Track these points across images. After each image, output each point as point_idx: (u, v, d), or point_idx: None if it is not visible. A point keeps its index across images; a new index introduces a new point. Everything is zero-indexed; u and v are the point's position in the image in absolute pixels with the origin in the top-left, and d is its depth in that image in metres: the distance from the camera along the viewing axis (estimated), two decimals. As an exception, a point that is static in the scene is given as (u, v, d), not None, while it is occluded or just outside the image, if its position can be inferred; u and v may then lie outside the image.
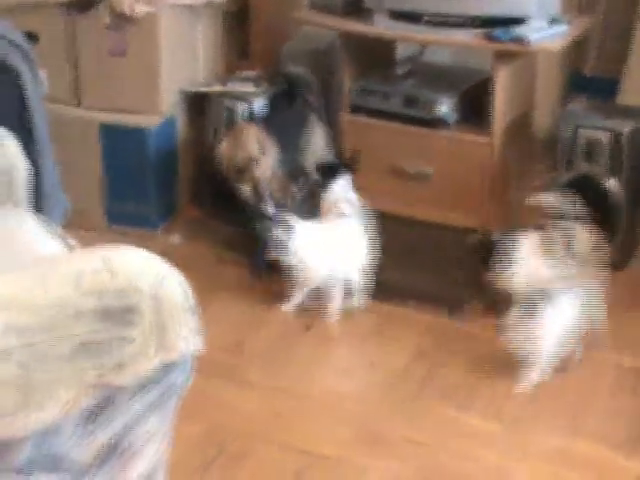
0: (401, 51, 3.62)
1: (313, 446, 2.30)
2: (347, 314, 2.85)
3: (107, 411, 1.45)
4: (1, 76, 2.39)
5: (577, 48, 3.45)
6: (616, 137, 3.00)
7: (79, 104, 3.32)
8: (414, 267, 3.04)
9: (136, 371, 1.43)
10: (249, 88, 3.41)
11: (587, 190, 3.03)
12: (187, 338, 1.48)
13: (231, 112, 3.32)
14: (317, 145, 3.38)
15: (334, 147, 3.42)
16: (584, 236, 2.74)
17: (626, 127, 3.02)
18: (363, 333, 2.81)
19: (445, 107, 3.25)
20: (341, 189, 2.92)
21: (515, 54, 3.14)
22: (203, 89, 3.42)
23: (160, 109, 3.29)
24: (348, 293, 2.86)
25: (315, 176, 3.30)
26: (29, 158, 2.25)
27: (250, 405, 2.47)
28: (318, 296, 2.86)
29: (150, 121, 3.26)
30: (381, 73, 3.45)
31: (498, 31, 3.04)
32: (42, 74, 2.78)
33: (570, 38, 3.16)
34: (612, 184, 3.01)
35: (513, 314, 2.50)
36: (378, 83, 3.38)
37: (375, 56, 3.48)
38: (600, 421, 2.41)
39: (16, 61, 2.41)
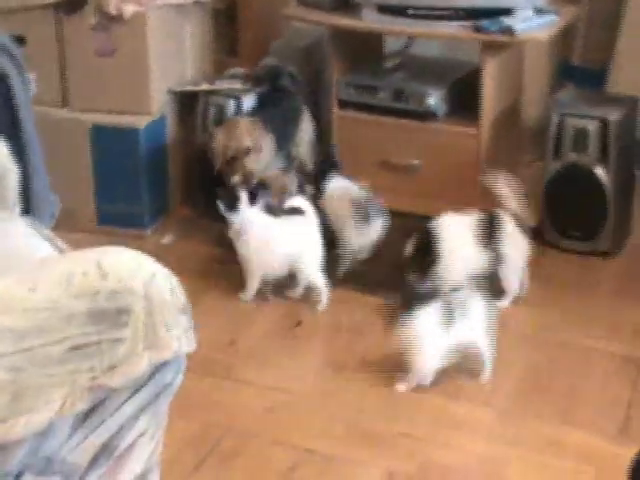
0: (389, 45, 3.63)
1: (306, 442, 2.31)
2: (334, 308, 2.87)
3: (101, 412, 1.45)
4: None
5: (564, 37, 3.46)
6: (604, 125, 3.01)
7: (68, 106, 3.32)
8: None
9: (129, 372, 1.43)
10: (237, 85, 3.41)
11: (576, 179, 3.06)
12: (179, 337, 1.49)
13: (220, 110, 3.33)
14: (305, 140, 3.39)
15: (323, 142, 3.43)
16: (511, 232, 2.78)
17: (614, 115, 3.03)
18: (355, 327, 2.81)
19: (434, 99, 3.25)
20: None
21: (503, 45, 3.15)
22: (192, 88, 3.42)
23: (150, 109, 3.29)
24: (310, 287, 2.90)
25: (307, 171, 3.34)
26: (18, 161, 2.25)
27: (243, 402, 2.47)
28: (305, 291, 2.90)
29: (140, 121, 3.26)
30: (370, 67, 3.46)
31: (486, 22, 3.05)
32: (30, 77, 2.78)
33: (557, 28, 3.16)
34: (600, 172, 3.03)
35: (404, 315, 2.42)
36: (367, 77, 3.38)
37: (364, 51, 3.48)
38: (591, 409, 2.42)
39: (4, 64, 2.41)
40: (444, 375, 2.52)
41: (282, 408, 2.45)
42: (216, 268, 3.05)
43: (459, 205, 2.86)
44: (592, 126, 3.02)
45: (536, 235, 3.14)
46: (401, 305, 2.43)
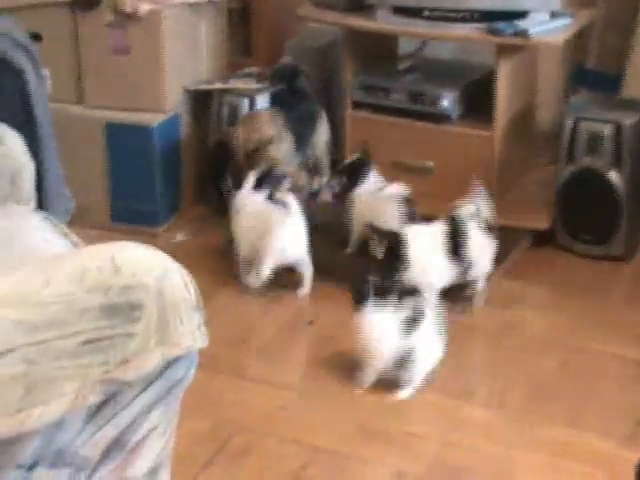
0: (403, 46, 3.63)
1: (317, 441, 2.31)
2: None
3: (113, 406, 1.46)
4: (5, 75, 2.40)
5: (579, 41, 3.45)
6: (618, 130, 3.01)
7: (83, 103, 3.34)
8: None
9: (141, 366, 1.44)
10: (252, 85, 3.42)
11: (589, 183, 3.06)
12: (192, 333, 1.49)
13: (234, 109, 3.33)
14: (322, 141, 3.40)
15: (337, 143, 3.44)
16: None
17: (628, 120, 3.02)
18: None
19: (448, 101, 3.25)
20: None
21: (518, 48, 3.14)
22: (206, 86, 3.43)
23: (164, 107, 3.30)
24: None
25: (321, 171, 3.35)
26: (34, 156, 2.27)
27: (254, 400, 2.47)
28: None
29: (154, 119, 3.27)
30: (384, 69, 3.46)
31: (501, 25, 3.04)
32: (46, 73, 2.79)
33: (572, 31, 3.16)
34: (614, 177, 3.02)
35: (363, 312, 2.42)
36: (381, 78, 3.38)
37: (378, 52, 3.48)
38: (602, 413, 2.41)
39: (20, 60, 2.42)
40: (455, 376, 2.52)
41: (293, 406, 2.45)
42: (229, 265, 3.05)
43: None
44: (606, 130, 3.01)
45: (549, 239, 3.15)
46: (355, 296, 2.43)
